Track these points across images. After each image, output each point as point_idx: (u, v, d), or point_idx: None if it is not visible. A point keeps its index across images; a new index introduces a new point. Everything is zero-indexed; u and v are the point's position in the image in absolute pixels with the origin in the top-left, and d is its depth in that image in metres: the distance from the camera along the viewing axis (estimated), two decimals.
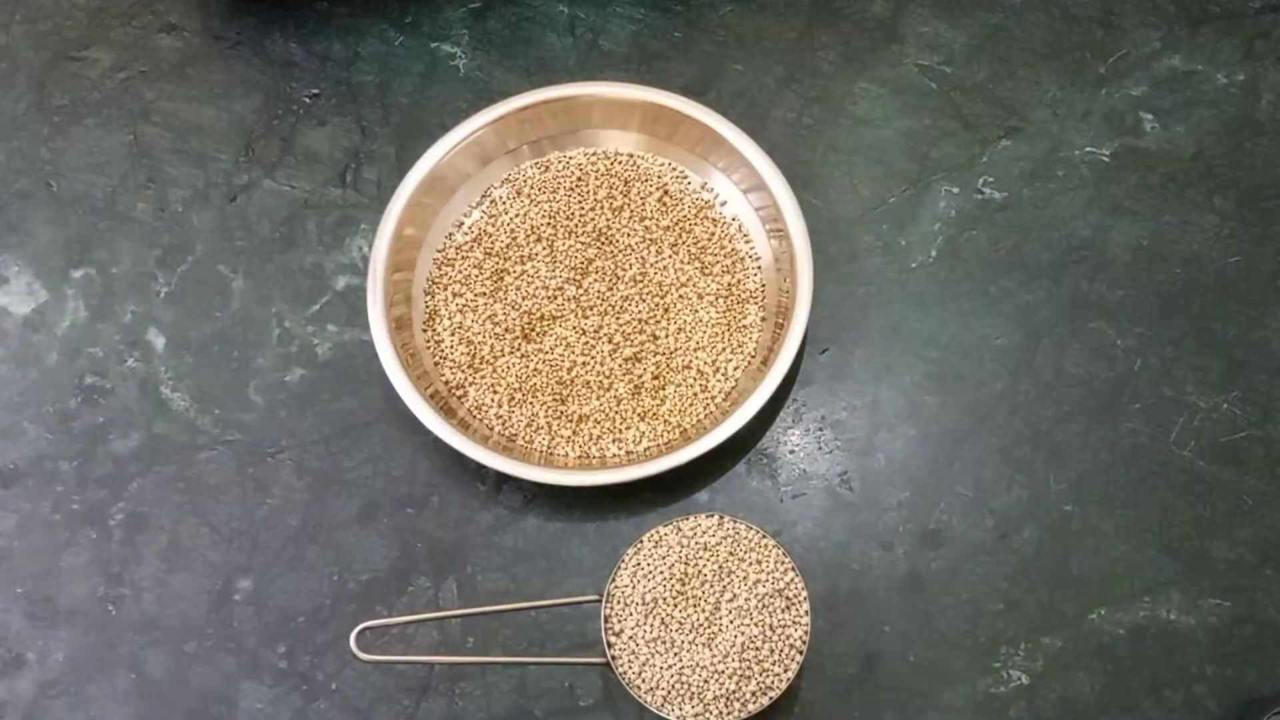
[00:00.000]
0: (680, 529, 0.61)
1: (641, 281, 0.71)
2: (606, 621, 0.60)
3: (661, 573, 0.61)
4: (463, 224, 0.73)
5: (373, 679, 0.65)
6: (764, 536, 0.61)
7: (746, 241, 0.72)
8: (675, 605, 0.60)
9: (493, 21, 0.79)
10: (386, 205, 0.70)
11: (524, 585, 0.67)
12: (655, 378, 0.69)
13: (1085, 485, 0.67)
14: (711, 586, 0.60)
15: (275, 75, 0.78)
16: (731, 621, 0.60)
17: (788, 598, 0.60)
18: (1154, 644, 0.64)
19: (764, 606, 0.60)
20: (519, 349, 0.69)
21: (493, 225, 0.73)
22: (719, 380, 0.69)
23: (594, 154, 0.74)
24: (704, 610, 0.60)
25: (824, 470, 0.68)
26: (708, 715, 0.58)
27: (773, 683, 0.59)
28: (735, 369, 0.69)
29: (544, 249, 0.72)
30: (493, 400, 0.69)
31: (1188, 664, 0.64)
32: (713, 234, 0.72)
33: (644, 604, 0.60)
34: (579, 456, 0.67)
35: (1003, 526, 0.67)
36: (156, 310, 0.73)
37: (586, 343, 0.69)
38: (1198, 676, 0.64)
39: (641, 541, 0.61)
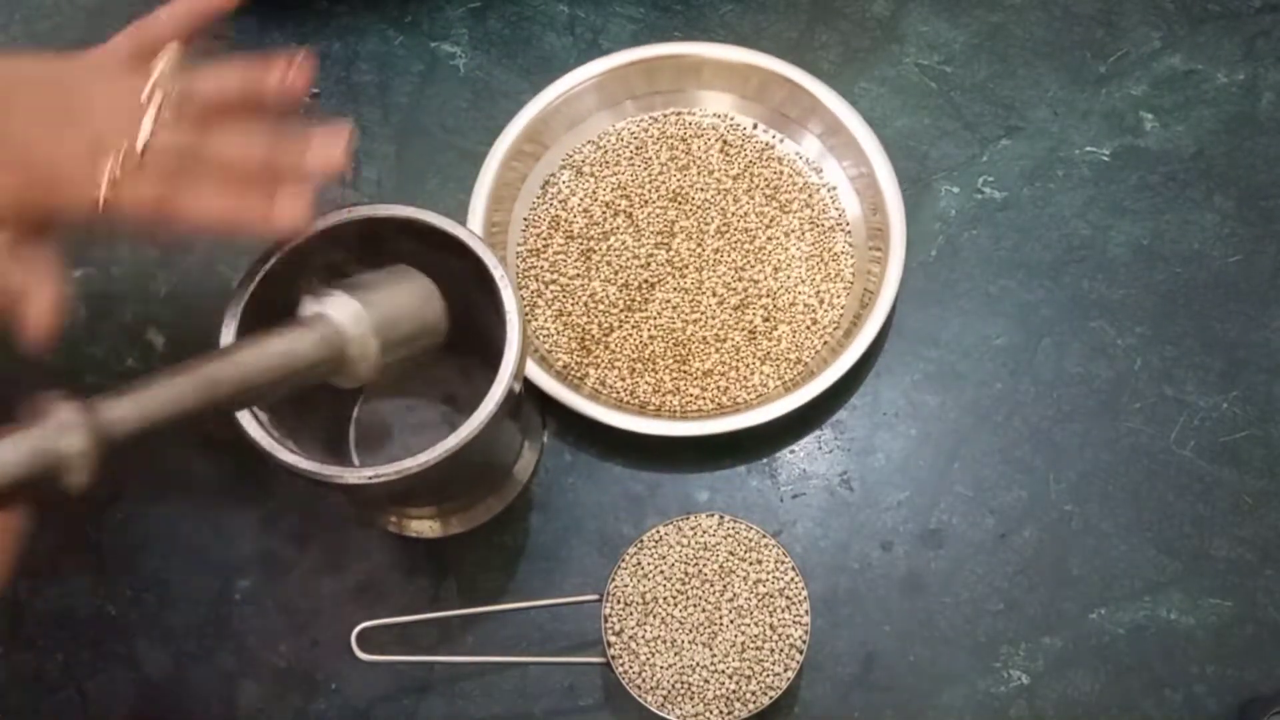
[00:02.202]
0: (680, 529, 0.61)
1: (727, 232, 0.72)
2: (606, 621, 0.60)
3: (661, 572, 0.61)
4: (534, 217, 0.73)
5: (373, 679, 0.65)
6: (764, 536, 0.61)
7: (817, 172, 0.73)
8: (675, 605, 0.60)
9: (493, 21, 0.79)
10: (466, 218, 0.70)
11: (524, 585, 0.67)
12: (766, 320, 0.69)
13: (1085, 485, 0.67)
14: (711, 586, 0.60)
15: None
16: (732, 621, 0.60)
17: (788, 597, 0.60)
18: (1154, 644, 0.64)
19: (764, 606, 0.60)
20: (629, 321, 0.70)
21: (564, 210, 0.73)
22: (826, 310, 0.70)
23: (643, 120, 0.75)
24: (704, 610, 0.60)
25: (824, 470, 0.68)
26: (708, 715, 0.59)
27: (773, 682, 0.59)
28: (838, 297, 0.70)
29: (624, 221, 0.72)
30: (615, 375, 0.69)
31: (1188, 664, 0.64)
32: (780, 172, 0.73)
33: (644, 604, 0.60)
34: (714, 409, 0.68)
35: (1003, 526, 0.67)
36: (157, 310, 0.73)
37: (692, 301, 0.70)
38: (1198, 676, 0.64)
39: (641, 541, 0.61)
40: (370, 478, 0.52)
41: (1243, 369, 0.70)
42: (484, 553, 0.67)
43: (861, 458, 0.68)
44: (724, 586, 0.60)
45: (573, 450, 0.69)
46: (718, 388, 0.68)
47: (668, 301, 0.70)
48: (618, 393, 0.69)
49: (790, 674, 0.59)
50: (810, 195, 0.72)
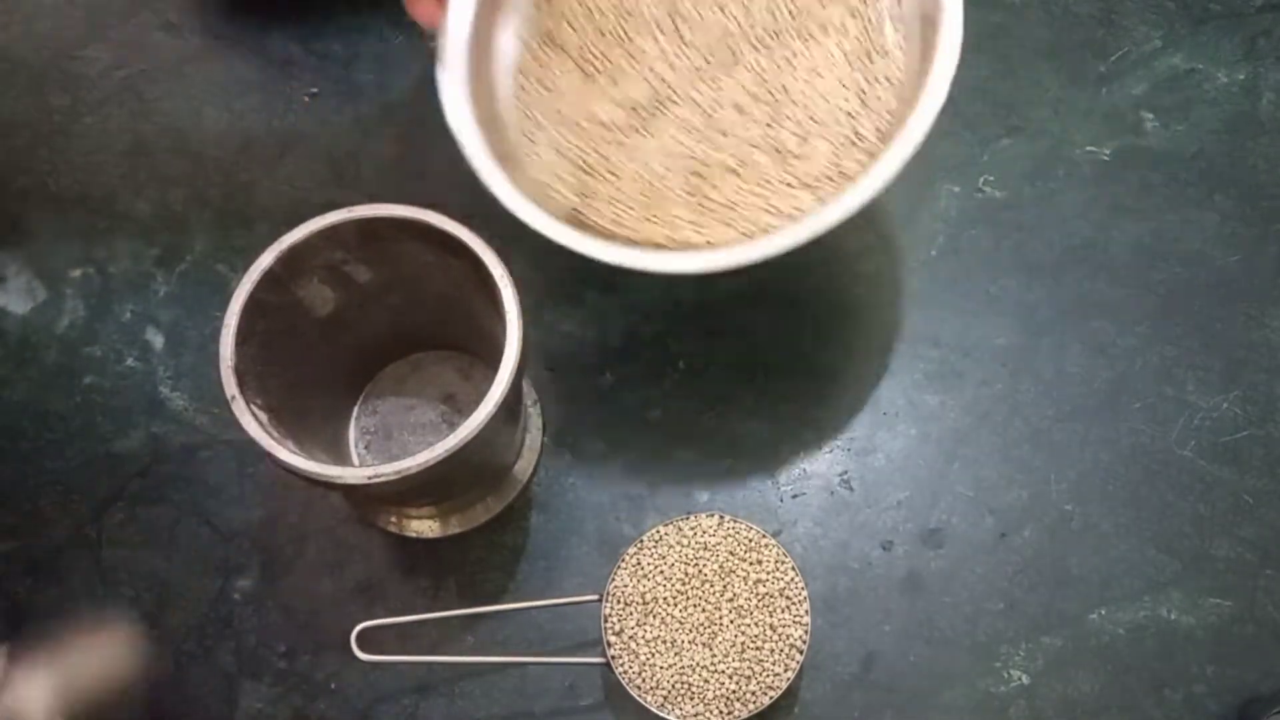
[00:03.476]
0: (680, 529, 0.61)
1: (751, 27, 0.59)
2: (606, 621, 0.60)
3: (661, 572, 0.61)
4: (529, 31, 0.63)
5: (373, 679, 0.65)
6: (764, 536, 0.61)
7: None
8: (675, 605, 0.60)
9: None
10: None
11: (524, 585, 0.67)
12: (798, 136, 0.58)
13: (1085, 485, 0.67)
14: (711, 586, 0.60)
15: (274, 74, 0.78)
16: (732, 621, 0.60)
17: (788, 597, 0.60)
18: (1154, 643, 0.64)
19: (764, 606, 0.60)
20: (636, 146, 0.59)
21: (550, 16, 0.62)
22: (868, 119, 0.58)
23: None
24: (704, 610, 0.60)
25: (824, 470, 0.68)
26: (708, 715, 0.59)
27: (773, 682, 0.59)
28: (885, 101, 0.58)
29: (623, 19, 0.61)
30: (623, 213, 0.59)
31: (1188, 663, 0.64)
32: None
33: (644, 604, 0.60)
34: (739, 238, 0.57)
35: (1003, 526, 0.67)
36: (156, 310, 0.73)
37: (709, 117, 0.59)
38: (1198, 676, 0.64)
39: (641, 541, 0.61)
40: (370, 478, 0.52)
41: (1243, 369, 0.70)
42: (484, 553, 0.67)
43: (861, 458, 0.68)
44: (724, 586, 0.60)
45: (573, 450, 0.69)
46: (744, 219, 0.57)
47: (682, 120, 0.59)
48: (628, 233, 0.59)
49: (790, 674, 0.59)
50: None
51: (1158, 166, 0.74)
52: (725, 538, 0.61)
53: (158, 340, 0.72)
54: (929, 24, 0.57)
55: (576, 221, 0.59)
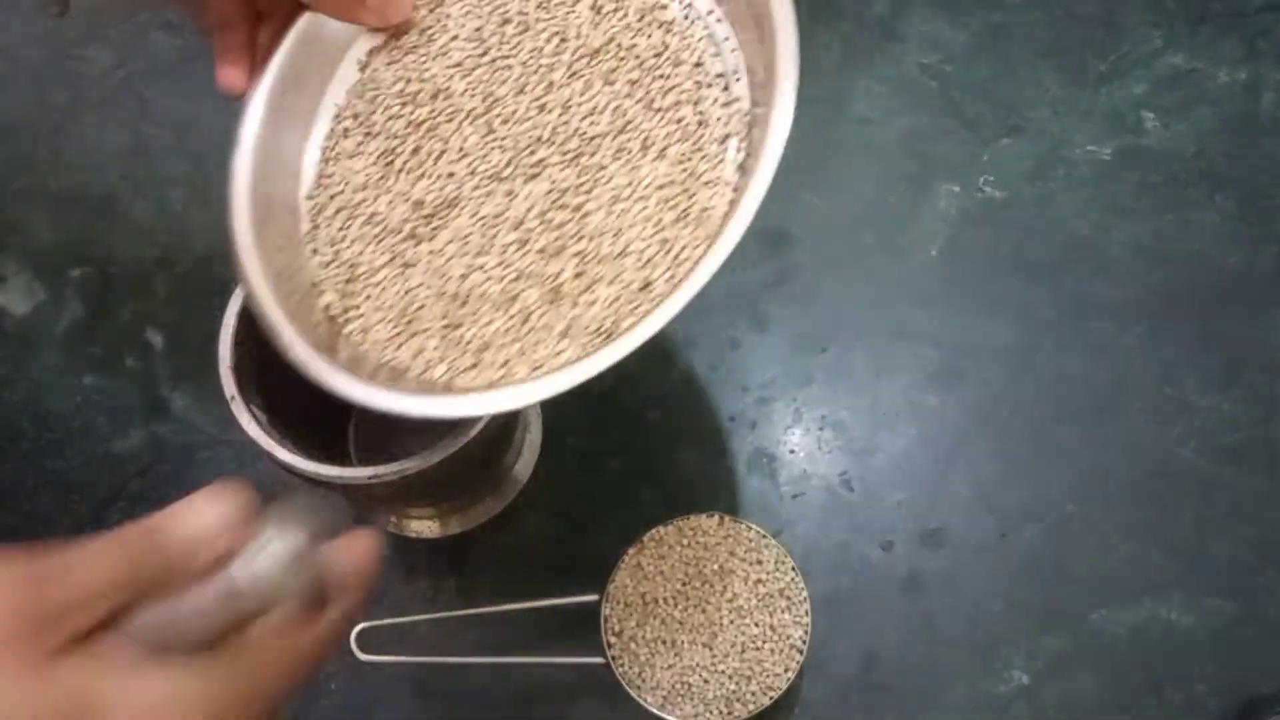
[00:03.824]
0: (680, 529, 0.61)
1: (566, 134, 0.49)
2: (606, 621, 0.60)
3: (662, 573, 0.61)
4: (341, 110, 0.55)
5: (373, 679, 0.65)
6: (764, 536, 0.61)
7: (715, 55, 0.50)
8: (675, 605, 0.60)
9: None
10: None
11: (524, 585, 0.67)
12: (579, 275, 0.47)
13: (1085, 485, 0.67)
14: (712, 586, 0.60)
15: None
16: (732, 621, 0.60)
17: (788, 597, 0.60)
18: (1154, 644, 0.64)
19: (764, 606, 0.60)
20: (408, 257, 0.50)
21: (367, 101, 0.54)
22: (665, 265, 0.46)
23: None
24: (704, 610, 0.60)
25: (824, 470, 0.68)
26: (708, 715, 0.59)
27: (773, 683, 0.59)
28: (692, 245, 0.46)
29: (435, 108, 0.52)
30: (376, 332, 0.50)
31: (1188, 664, 0.64)
32: (665, 46, 0.50)
33: (644, 604, 0.60)
34: (487, 387, 0.48)
35: (1003, 526, 0.67)
36: (156, 310, 0.73)
37: (488, 235, 0.49)
38: (1198, 676, 0.64)
39: (642, 541, 0.61)
40: (370, 478, 0.52)
41: (1243, 369, 0.70)
42: (484, 553, 0.67)
43: (861, 458, 0.68)
44: (724, 587, 0.60)
45: (573, 450, 0.69)
46: (494, 365, 0.48)
47: (459, 232, 0.50)
48: (379, 358, 0.50)
49: (790, 674, 0.59)
50: (698, 89, 0.49)
51: (1158, 166, 0.74)
52: (725, 538, 0.61)
53: (158, 340, 0.72)
54: (757, 156, 0.47)
55: (332, 331, 0.51)
